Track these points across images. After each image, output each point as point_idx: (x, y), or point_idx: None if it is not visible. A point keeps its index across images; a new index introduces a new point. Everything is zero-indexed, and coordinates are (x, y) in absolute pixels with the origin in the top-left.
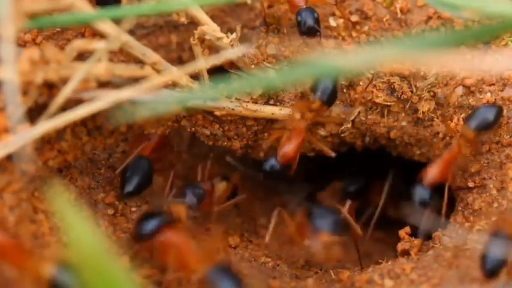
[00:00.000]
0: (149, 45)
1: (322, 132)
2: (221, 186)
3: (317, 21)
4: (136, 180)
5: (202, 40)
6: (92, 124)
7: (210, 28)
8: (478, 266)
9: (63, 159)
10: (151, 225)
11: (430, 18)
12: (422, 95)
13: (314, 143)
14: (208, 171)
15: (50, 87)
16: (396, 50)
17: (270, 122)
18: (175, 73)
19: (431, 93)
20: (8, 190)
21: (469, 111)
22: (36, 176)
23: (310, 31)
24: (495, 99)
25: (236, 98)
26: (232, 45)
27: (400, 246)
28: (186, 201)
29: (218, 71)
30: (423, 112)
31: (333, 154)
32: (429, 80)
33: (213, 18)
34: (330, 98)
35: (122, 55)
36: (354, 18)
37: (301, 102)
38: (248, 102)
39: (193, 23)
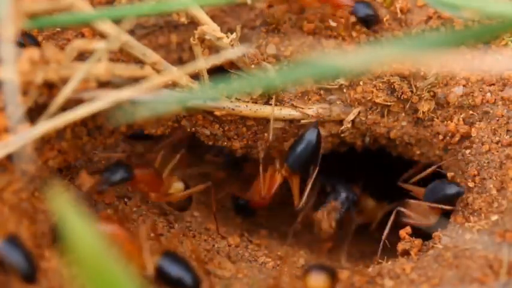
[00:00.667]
0: (149, 45)
1: (321, 132)
2: (176, 186)
3: (374, 10)
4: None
5: (202, 40)
6: (92, 124)
7: (210, 28)
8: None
9: (63, 159)
10: None
11: (430, 18)
12: (422, 95)
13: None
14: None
15: (50, 87)
16: (396, 50)
17: (270, 122)
18: (175, 73)
19: (431, 93)
20: (8, 190)
21: (469, 111)
22: (36, 176)
23: (371, 19)
24: (495, 99)
25: (236, 98)
26: (232, 45)
27: (400, 246)
28: (103, 175)
29: (218, 71)
30: (423, 112)
31: (299, 205)
32: (429, 80)
33: (213, 18)
34: (302, 168)
35: (122, 55)
36: (354, 18)
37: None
38: (248, 102)
39: (193, 23)
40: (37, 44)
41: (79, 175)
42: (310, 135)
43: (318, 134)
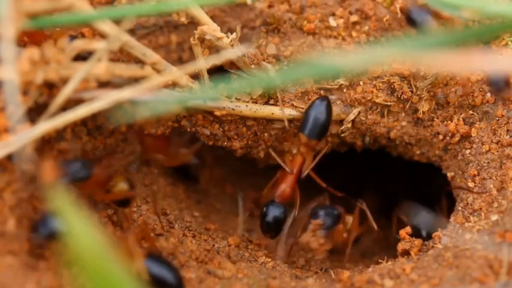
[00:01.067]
0: (149, 45)
1: None
2: (120, 186)
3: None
4: None
5: (202, 40)
6: (92, 124)
7: (210, 28)
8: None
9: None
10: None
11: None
12: (422, 95)
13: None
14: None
15: (50, 87)
16: (396, 50)
17: (270, 122)
18: (175, 73)
19: (431, 93)
20: (8, 190)
21: (469, 111)
22: (36, 176)
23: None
24: (495, 99)
25: (236, 98)
26: (232, 45)
27: (400, 246)
28: (63, 171)
29: (218, 71)
30: (423, 112)
31: (324, 185)
32: (429, 80)
33: (213, 18)
34: (319, 134)
35: (122, 55)
36: (354, 18)
37: (291, 137)
38: (248, 102)
39: (193, 23)
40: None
41: (43, 164)
42: (320, 102)
43: (328, 101)
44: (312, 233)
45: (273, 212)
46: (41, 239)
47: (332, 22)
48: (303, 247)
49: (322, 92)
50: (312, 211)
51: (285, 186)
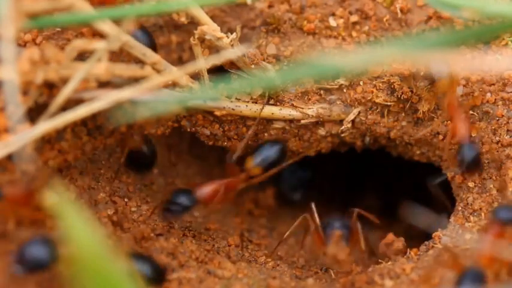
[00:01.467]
0: None
1: (321, 132)
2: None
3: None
4: None
5: (202, 40)
6: (92, 124)
7: (210, 28)
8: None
9: (63, 159)
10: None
11: (430, 18)
12: (422, 95)
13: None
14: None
15: (50, 87)
16: (396, 50)
17: (270, 122)
18: (175, 73)
19: (431, 93)
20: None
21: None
22: (36, 176)
23: (469, 166)
24: (495, 99)
25: (236, 98)
26: (232, 45)
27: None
28: None
29: (218, 71)
30: (423, 112)
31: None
32: (429, 80)
33: (213, 18)
34: (268, 166)
35: (122, 55)
36: (354, 18)
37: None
38: (248, 102)
39: (193, 23)
40: (152, 42)
41: None
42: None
43: (284, 147)
44: (336, 244)
45: (180, 200)
46: (24, 272)
47: (332, 22)
48: (329, 262)
49: (322, 92)
50: (326, 223)
51: (213, 188)
